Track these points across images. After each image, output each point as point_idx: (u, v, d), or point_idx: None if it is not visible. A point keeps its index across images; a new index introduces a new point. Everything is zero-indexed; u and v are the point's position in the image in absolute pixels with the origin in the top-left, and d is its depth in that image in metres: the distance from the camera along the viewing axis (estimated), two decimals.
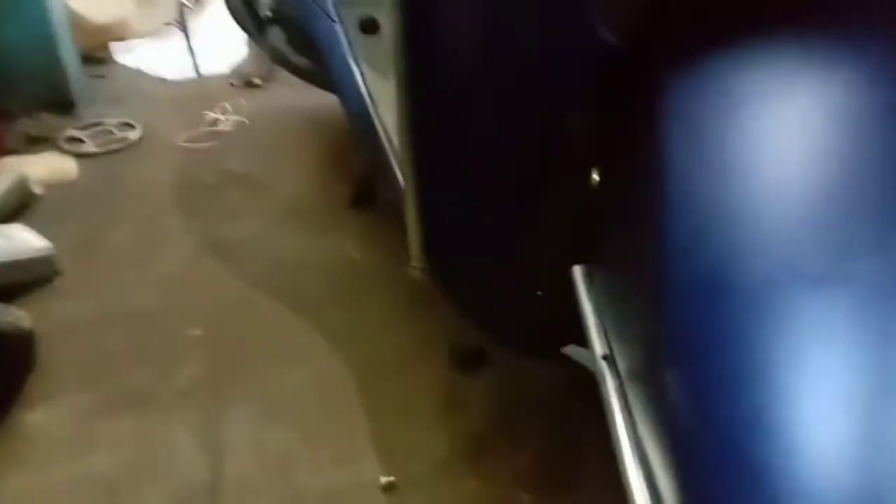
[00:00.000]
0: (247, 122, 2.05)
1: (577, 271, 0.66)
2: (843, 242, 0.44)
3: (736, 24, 0.54)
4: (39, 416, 1.15)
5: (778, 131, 0.51)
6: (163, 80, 2.29)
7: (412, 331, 1.31)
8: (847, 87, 0.50)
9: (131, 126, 1.99)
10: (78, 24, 2.23)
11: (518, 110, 0.72)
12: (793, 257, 0.44)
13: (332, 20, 1.25)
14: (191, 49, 2.19)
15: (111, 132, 1.97)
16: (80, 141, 1.92)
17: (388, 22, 0.83)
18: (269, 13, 1.43)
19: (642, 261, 0.54)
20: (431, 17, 0.78)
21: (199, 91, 2.18)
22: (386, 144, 1.10)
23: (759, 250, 0.45)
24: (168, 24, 2.53)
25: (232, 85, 2.27)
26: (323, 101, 1.75)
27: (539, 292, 0.82)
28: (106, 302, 1.41)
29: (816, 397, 0.40)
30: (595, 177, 0.67)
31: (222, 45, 2.30)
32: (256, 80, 2.27)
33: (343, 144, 1.87)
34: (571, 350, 0.80)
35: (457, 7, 0.75)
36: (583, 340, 0.63)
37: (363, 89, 1.20)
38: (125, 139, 1.94)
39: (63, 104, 2.06)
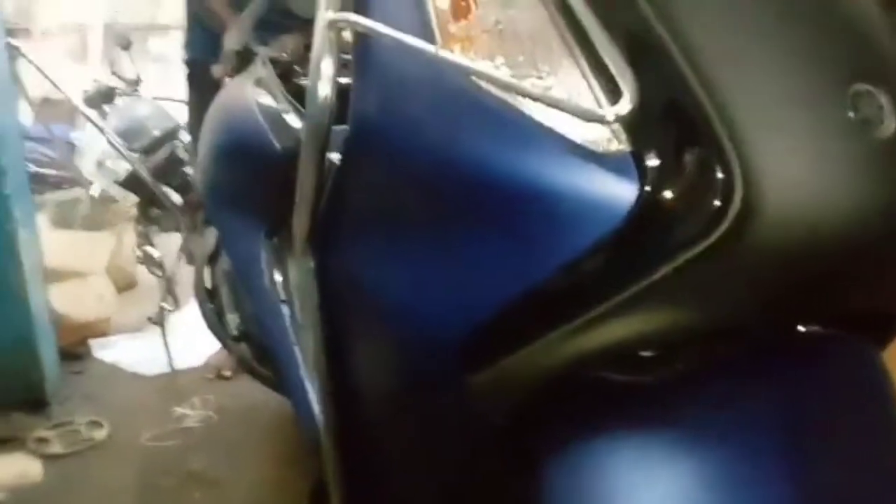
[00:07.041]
0: (214, 416, 2.13)
1: None
2: None
3: (604, 414, 0.66)
4: None
5: None
6: (137, 376, 2.39)
7: None
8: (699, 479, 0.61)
9: (100, 425, 2.05)
10: (60, 323, 2.38)
11: (430, 457, 0.82)
12: None
13: (292, 343, 1.39)
14: (166, 345, 2.33)
15: (79, 431, 2.03)
16: (48, 441, 1.97)
17: None
18: (236, 332, 1.58)
19: None
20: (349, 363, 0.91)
21: (171, 386, 2.28)
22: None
23: None
24: (149, 318, 2.70)
25: (204, 378, 2.37)
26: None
27: None
28: None
29: None
30: None
31: (197, 339, 2.45)
32: (226, 373, 2.38)
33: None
34: None
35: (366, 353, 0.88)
36: None
37: (314, 405, 1.31)
38: (91, 439, 2.00)
39: (37, 403, 2.13)
